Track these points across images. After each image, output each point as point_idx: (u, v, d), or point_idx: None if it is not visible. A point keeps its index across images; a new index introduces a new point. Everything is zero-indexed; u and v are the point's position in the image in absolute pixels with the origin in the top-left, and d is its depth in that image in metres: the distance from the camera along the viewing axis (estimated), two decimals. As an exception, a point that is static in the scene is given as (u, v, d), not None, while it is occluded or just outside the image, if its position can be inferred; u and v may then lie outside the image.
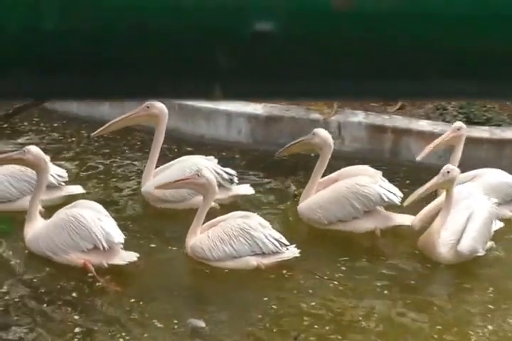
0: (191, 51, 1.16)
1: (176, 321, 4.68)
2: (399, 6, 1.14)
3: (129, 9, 1.14)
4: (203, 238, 5.24)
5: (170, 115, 7.26)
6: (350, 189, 5.71)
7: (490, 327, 4.76)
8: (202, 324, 4.63)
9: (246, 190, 6.10)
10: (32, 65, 1.17)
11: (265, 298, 4.98)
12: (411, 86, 1.21)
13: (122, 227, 5.35)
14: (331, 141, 5.86)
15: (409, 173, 6.59)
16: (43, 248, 5.15)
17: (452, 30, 1.14)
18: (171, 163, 6.10)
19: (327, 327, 4.70)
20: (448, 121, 6.87)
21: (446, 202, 5.38)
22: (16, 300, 4.89)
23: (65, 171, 5.96)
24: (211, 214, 5.47)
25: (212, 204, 5.58)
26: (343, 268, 5.35)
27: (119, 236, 5.14)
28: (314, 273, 5.26)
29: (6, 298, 4.91)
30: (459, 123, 6.13)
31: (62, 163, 6.46)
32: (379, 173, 5.83)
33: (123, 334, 4.57)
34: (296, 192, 6.28)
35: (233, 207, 5.93)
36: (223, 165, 6.07)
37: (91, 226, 5.08)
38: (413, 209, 5.64)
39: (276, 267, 5.24)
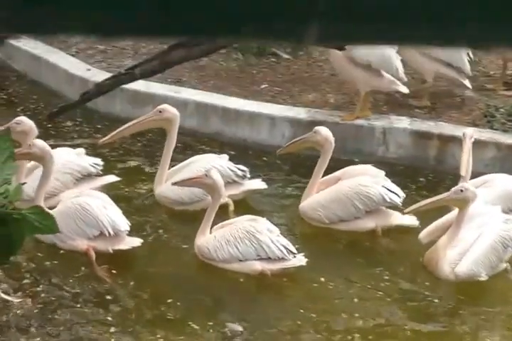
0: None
1: (210, 323, 4.66)
2: None
3: None
4: (210, 238, 5.25)
5: (213, 118, 7.32)
6: (352, 189, 5.70)
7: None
8: (239, 328, 4.57)
9: (258, 184, 6.16)
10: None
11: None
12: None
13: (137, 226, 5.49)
14: (331, 138, 5.84)
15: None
16: (49, 235, 5.11)
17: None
18: (184, 163, 6.12)
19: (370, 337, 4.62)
20: (496, 129, 6.74)
21: (458, 220, 5.14)
22: (53, 298, 4.88)
23: (100, 160, 6.07)
24: (225, 213, 5.64)
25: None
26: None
27: (125, 224, 5.28)
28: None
29: (43, 295, 4.90)
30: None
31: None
32: (382, 173, 5.81)
33: (158, 336, 4.54)
34: None
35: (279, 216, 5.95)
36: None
37: (97, 214, 5.23)
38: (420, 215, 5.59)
39: (282, 274, 5.17)
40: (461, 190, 5.10)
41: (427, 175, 6.34)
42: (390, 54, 6.69)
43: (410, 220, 5.73)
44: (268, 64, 8.30)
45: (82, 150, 6.14)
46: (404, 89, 6.84)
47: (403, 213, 5.52)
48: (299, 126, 7.06)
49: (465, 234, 5.16)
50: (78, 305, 4.86)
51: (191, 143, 7.10)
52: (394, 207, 5.79)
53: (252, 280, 5.16)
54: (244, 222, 5.26)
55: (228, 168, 5.97)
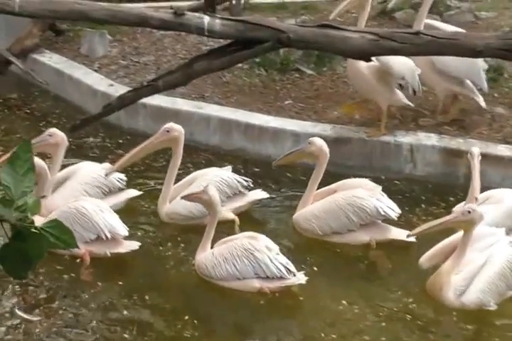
0: None
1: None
2: None
3: None
4: (208, 255, 5.16)
5: (236, 135, 7.21)
6: (346, 200, 5.63)
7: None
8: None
9: (261, 194, 6.17)
10: None
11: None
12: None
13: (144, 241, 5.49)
14: (326, 150, 5.81)
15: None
16: None
17: None
18: (189, 177, 6.06)
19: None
20: (527, 146, 6.58)
21: (463, 243, 4.91)
22: (70, 316, 4.78)
23: (124, 175, 6.12)
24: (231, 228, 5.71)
25: (232, 216, 5.83)
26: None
27: (122, 228, 5.32)
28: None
29: (60, 312, 4.81)
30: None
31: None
32: (378, 188, 5.73)
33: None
34: None
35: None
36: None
37: (93, 217, 5.25)
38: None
39: (282, 291, 5.05)
40: (469, 212, 4.89)
41: (456, 194, 6.17)
42: (412, 67, 6.58)
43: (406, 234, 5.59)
44: (292, 80, 8.20)
45: (108, 165, 6.12)
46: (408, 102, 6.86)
47: (407, 236, 5.30)
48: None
49: (469, 258, 4.94)
50: (94, 322, 4.75)
51: (214, 160, 7.00)
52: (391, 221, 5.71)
53: (259, 296, 5.04)
54: (243, 240, 5.14)
55: (235, 179, 6.01)
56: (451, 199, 6.26)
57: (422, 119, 7.16)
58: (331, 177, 6.57)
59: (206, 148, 7.34)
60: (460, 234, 5.00)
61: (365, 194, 5.65)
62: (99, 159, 6.45)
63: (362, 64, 6.52)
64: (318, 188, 5.91)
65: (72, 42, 9.49)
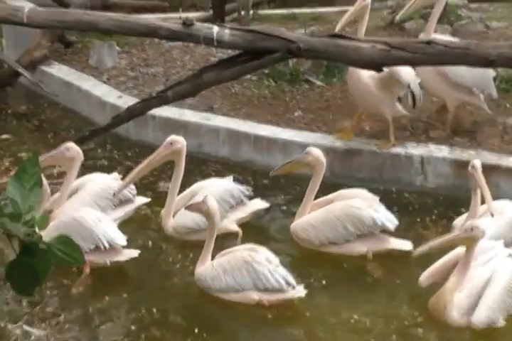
0: None
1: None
2: None
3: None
4: (208, 266, 5.10)
5: (245, 146, 7.16)
6: (343, 210, 5.59)
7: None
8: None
9: (262, 204, 6.16)
10: None
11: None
12: None
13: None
14: (323, 159, 5.79)
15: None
16: None
17: None
18: (192, 189, 6.00)
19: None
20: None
21: (466, 260, 4.78)
22: (77, 331, 4.71)
23: (133, 186, 6.05)
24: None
25: (236, 228, 5.86)
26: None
27: (121, 238, 5.32)
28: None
29: (66, 326, 4.75)
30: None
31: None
32: (376, 198, 5.69)
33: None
34: None
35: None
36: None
37: (92, 228, 5.24)
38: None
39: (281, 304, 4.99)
40: (472, 229, 4.77)
41: (467, 206, 6.07)
42: (414, 75, 6.51)
43: (404, 244, 5.60)
44: (301, 91, 8.14)
45: (117, 175, 6.11)
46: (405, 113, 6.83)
47: (413, 254, 5.20)
48: (334, 154, 6.87)
49: (471, 274, 4.82)
50: (101, 337, 4.71)
51: (223, 172, 6.94)
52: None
53: (262, 309, 4.99)
54: (243, 252, 5.09)
55: (238, 188, 6.01)
56: (463, 211, 6.16)
57: (432, 131, 7.09)
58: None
59: (215, 160, 7.29)
60: (459, 250, 4.92)
61: (362, 204, 5.61)
62: (108, 170, 6.40)
63: (364, 74, 6.48)
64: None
65: (81, 54, 9.47)
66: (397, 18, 7.69)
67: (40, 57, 9.13)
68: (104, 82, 8.54)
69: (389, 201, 6.48)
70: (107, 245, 5.23)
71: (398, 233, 5.69)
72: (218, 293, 5.05)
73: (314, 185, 5.80)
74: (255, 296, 4.96)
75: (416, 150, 6.78)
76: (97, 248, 5.25)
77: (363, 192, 5.79)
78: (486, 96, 6.95)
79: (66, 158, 5.77)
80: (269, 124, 7.32)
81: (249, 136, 7.16)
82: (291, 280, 4.97)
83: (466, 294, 4.79)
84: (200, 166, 7.12)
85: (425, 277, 4.99)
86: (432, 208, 6.41)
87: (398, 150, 6.78)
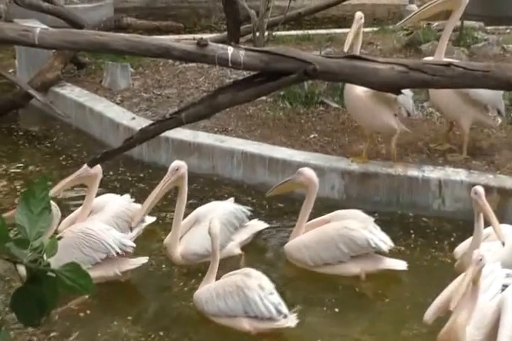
0: None
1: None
2: None
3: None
4: (204, 289, 5.03)
5: (260, 169, 7.06)
6: (337, 231, 5.54)
7: None
8: None
9: (261, 225, 6.17)
10: None
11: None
12: None
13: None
14: (315, 179, 5.78)
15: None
16: None
17: None
18: (194, 215, 5.88)
19: None
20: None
21: (474, 293, 4.55)
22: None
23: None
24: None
25: (239, 251, 5.81)
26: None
27: (129, 241, 5.39)
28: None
29: None
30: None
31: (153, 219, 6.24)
32: (371, 219, 5.65)
33: None
34: None
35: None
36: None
37: (101, 236, 5.27)
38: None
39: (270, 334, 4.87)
40: (480, 259, 4.56)
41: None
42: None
43: (398, 264, 5.56)
44: (317, 113, 8.05)
45: (128, 197, 6.10)
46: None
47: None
48: (350, 177, 6.77)
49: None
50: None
51: (237, 195, 6.83)
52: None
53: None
54: (238, 276, 4.97)
55: (241, 210, 5.99)
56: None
57: (450, 154, 6.98)
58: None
59: (229, 182, 7.20)
60: (458, 281, 4.68)
61: (356, 225, 5.55)
62: (120, 192, 6.32)
63: (359, 91, 6.40)
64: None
65: (94, 75, 9.43)
66: (398, 24, 7.60)
67: (53, 78, 9.09)
68: (118, 104, 8.48)
69: (405, 224, 6.42)
70: (118, 250, 5.26)
71: (413, 256, 5.60)
72: (212, 316, 4.97)
73: (308, 205, 5.79)
74: (245, 324, 4.84)
75: (433, 173, 6.66)
76: (107, 258, 5.27)
77: (358, 213, 5.76)
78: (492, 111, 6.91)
79: (90, 176, 5.80)
80: (284, 147, 7.22)
81: (264, 159, 7.06)
82: (283, 309, 4.82)
83: (477, 325, 4.58)
84: (213, 189, 7.03)
85: (430, 315, 4.74)
86: (451, 232, 6.28)
87: (415, 173, 6.67)
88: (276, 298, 4.85)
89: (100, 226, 5.44)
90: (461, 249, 5.54)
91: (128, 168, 7.56)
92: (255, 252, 5.99)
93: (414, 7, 12.49)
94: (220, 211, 5.84)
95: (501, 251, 5.24)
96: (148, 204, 5.53)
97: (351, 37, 6.46)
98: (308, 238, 5.67)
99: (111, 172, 7.37)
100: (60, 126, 8.83)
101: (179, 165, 5.64)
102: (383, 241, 5.53)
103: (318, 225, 5.79)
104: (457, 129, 7.29)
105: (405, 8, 13.60)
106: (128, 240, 5.43)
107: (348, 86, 6.52)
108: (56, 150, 8.20)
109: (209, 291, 4.97)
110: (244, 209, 6.00)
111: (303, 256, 5.63)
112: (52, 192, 5.56)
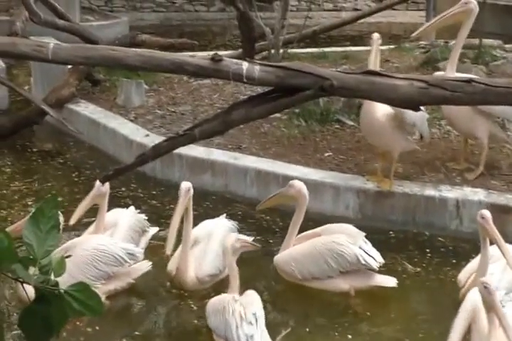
0: None
1: None
2: None
3: None
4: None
5: (274, 187, 6.96)
6: (326, 245, 5.44)
7: None
8: None
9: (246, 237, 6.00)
10: None
11: None
12: None
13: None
14: (305, 192, 5.68)
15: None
16: None
17: None
18: (192, 239, 5.65)
19: None
20: None
21: (493, 325, 4.34)
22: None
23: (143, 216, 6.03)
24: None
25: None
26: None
27: (136, 249, 5.44)
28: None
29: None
30: None
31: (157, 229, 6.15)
32: (361, 234, 5.52)
33: None
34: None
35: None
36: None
37: (113, 250, 5.28)
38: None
39: None
40: (490, 293, 4.36)
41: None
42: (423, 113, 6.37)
43: (388, 281, 5.47)
44: (332, 131, 7.96)
45: (133, 208, 6.06)
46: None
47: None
48: (365, 196, 6.67)
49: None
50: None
51: (251, 213, 6.74)
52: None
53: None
54: (227, 297, 4.83)
55: (233, 224, 5.93)
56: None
57: (467, 172, 6.87)
58: (373, 233, 6.36)
59: (242, 200, 7.10)
60: (467, 310, 4.53)
61: (345, 240, 5.44)
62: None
63: (378, 111, 6.36)
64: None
65: (109, 92, 9.39)
66: (412, 35, 7.54)
67: (68, 95, 9.06)
68: (131, 121, 8.43)
69: (422, 244, 6.30)
70: (130, 261, 5.32)
71: (429, 275, 5.52)
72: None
73: (298, 218, 5.70)
74: None
75: (451, 193, 6.55)
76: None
77: (349, 228, 5.64)
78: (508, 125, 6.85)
79: (102, 194, 5.75)
80: (298, 165, 7.13)
81: (278, 177, 6.97)
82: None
83: None
84: (226, 207, 6.94)
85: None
86: (470, 253, 6.14)
87: (432, 192, 6.55)
88: (251, 328, 4.63)
89: (108, 239, 5.44)
90: (464, 276, 5.35)
91: (140, 184, 7.50)
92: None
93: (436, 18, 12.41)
94: (220, 230, 5.70)
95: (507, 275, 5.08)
96: (172, 230, 5.36)
97: (373, 57, 6.40)
98: (296, 251, 5.58)
99: (123, 189, 7.31)
100: (74, 143, 8.79)
101: (190, 186, 5.53)
102: (373, 257, 5.42)
103: (308, 238, 5.68)
104: (476, 148, 7.19)
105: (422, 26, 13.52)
106: (135, 248, 5.45)
107: (367, 107, 6.44)
108: (69, 167, 8.15)
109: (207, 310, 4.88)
110: (235, 224, 5.92)
111: (291, 270, 5.53)
112: (73, 221, 5.63)
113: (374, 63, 6.40)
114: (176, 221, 5.39)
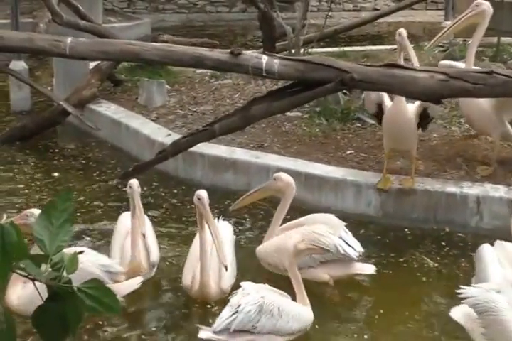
0: None
1: None
2: None
3: None
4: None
5: (296, 185, 6.93)
6: (306, 236, 5.38)
7: None
8: None
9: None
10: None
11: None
12: None
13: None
14: (293, 184, 5.69)
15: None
16: None
17: None
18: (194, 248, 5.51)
19: None
20: None
21: None
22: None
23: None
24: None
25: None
26: None
27: (116, 267, 5.03)
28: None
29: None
30: None
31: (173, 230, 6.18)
32: (342, 224, 5.53)
33: None
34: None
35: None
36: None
37: (90, 269, 4.78)
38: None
39: None
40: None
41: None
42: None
43: (367, 268, 5.52)
44: (353, 129, 7.95)
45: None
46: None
47: None
48: (386, 194, 6.65)
49: None
50: None
51: (272, 211, 6.70)
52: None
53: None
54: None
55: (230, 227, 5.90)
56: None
57: (480, 167, 6.84)
58: (390, 231, 6.36)
59: (264, 199, 7.07)
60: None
61: (325, 230, 5.42)
62: (153, 208, 6.24)
63: (406, 112, 6.26)
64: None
65: (130, 92, 9.43)
66: (429, 45, 7.50)
67: (90, 95, 9.10)
68: (153, 121, 8.46)
69: (442, 241, 6.27)
70: (109, 281, 4.87)
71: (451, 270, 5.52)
72: None
73: (282, 209, 5.73)
74: None
75: (471, 189, 6.51)
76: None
77: (330, 217, 5.65)
78: None
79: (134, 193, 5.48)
80: (320, 163, 7.12)
81: (300, 175, 6.95)
82: None
83: None
84: (248, 205, 6.91)
85: None
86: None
87: (453, 189, 6.52)
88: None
89: (89, 257, 4.89)
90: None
91: (162, 183, 7.52)
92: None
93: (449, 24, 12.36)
94: (225, 234, 5.53)
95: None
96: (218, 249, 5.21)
97: (411, 52, 6.36)
98: (277, 242, 5.56)
99: (145, 188, 7.28)
100: (96, 143, 8.83)
101: (200, 195, 5.27)
102: (353, 247, 5.42)
103: (292, 228, 5.67)
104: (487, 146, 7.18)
105: (441, 25, 13.48)
106: (116, 266, 5.07)
107: (393, 108, 6.35)
108: (90, 167, 8.18)
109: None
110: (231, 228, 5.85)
111: (273, 260, 5.53)
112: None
113: (412, 56, 6.33)
114: (215, 232, 5.22)
